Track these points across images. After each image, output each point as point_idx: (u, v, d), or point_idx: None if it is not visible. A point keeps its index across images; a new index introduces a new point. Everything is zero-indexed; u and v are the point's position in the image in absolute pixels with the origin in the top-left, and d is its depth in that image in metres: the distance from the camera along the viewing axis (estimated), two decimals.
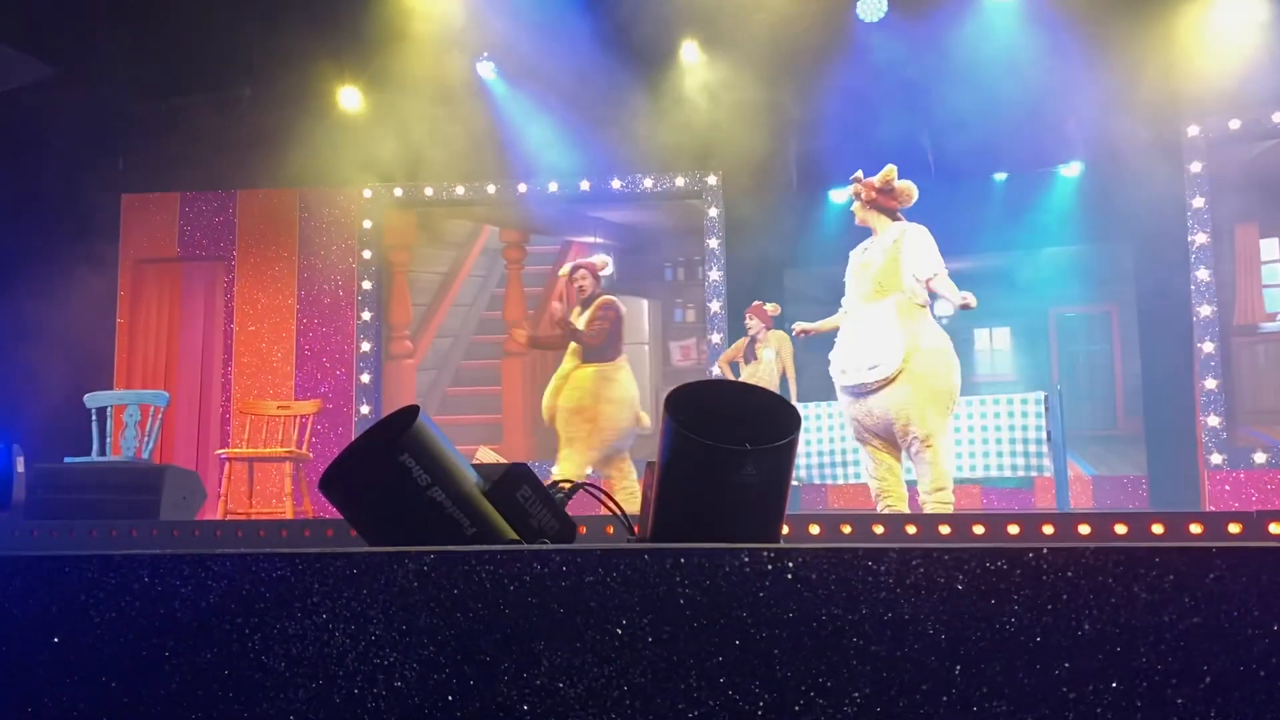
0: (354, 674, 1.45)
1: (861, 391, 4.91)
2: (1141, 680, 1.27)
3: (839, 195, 8.15)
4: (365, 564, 1.47)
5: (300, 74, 7.82)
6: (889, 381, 4.84)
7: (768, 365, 7.23)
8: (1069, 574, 1.31)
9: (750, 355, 7.36)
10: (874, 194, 5.25)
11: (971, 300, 4.92)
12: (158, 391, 6.36)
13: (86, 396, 6.19)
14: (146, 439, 6.01)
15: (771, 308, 7.37)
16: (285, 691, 1.46)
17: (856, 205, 5.32)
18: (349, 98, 8.11)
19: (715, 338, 8.01)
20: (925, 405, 4.78)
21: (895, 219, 5.23)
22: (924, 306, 5.05)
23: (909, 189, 5.23)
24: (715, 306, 8.04)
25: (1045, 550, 1.31)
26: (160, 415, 6.11)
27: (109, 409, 6.14)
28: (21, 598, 1.54)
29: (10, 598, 1.54)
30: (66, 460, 5.76)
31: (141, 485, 5.25)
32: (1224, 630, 1.27)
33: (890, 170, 5.19)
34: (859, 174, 5.30)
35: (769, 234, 7.95)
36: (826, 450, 6.07)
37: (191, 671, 1.48)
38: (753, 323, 7.33)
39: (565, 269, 6.54)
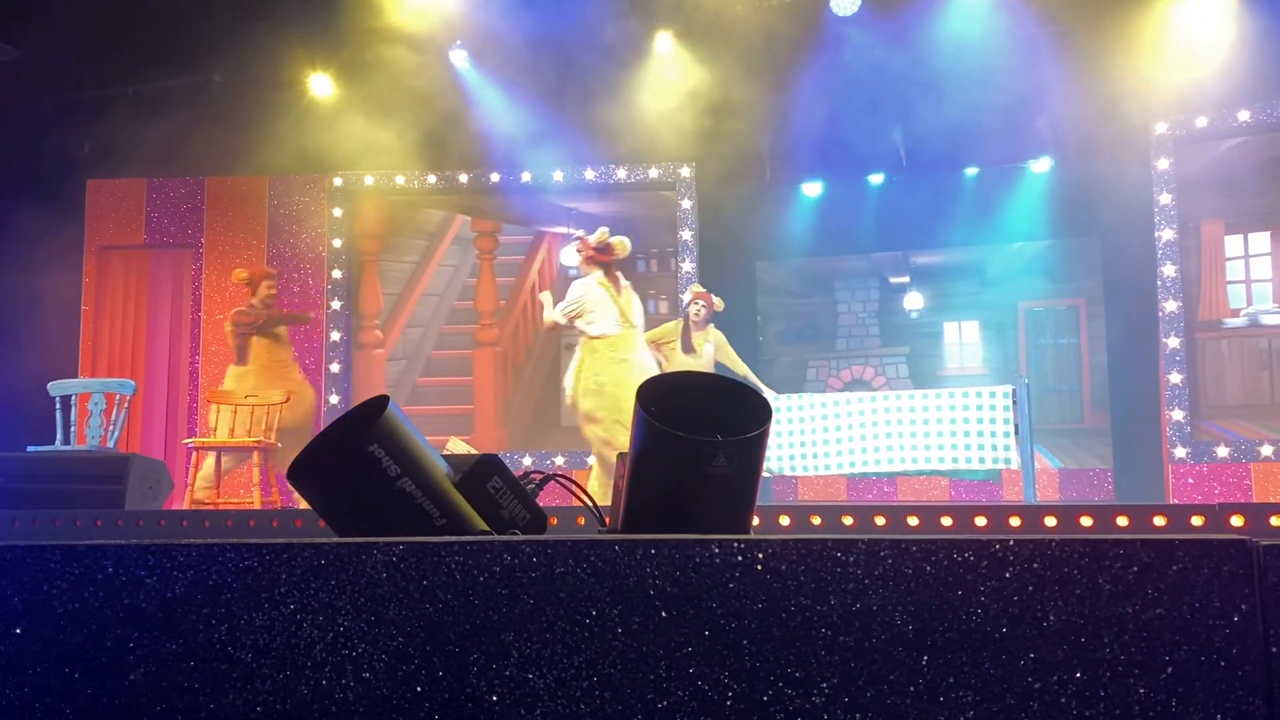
0: (322, 665, 1.44)
1: None
2: (1105, 670, 1.29)
3: (812, 188, 8.20)
4: (333, 554, 1.46)
5: (271, 60, 7.73)
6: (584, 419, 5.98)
7: (708, 360, 7.10)
8: (1035, 565, 1.32)
9: (688, 346, 7.18)
10: (590, 251, 6.38)
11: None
12: (124, 380, 6.29)
13: (51, 385, 6.11)
14: (112, 428, 5.94)
15: (718, 302, 7.29)
16: (252, 683, 1.45)
17: (579, 259, 6.42)
18: (320, 85, 8.05)
19: None
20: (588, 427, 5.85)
21: (609, 272, 6.42)
22: (595, 339, 6.25)
23: (622, 246, 6.46)
24: (688, 298, 8.04)
25: (1011, 542, 1.33)
26: (126, 404, 6.04)
27: (74, 397, 6.06)
28: None
29: None
30: (29, 449, 5.68)
31: (106, 474, 5.18)
32: (1186, 621, 1.28)
33: (603, 232, 6.32)
34: (580, 232, 6.46)
35: (742, 226, 7.98)
36: (798, 441, 6.10)
37: (157, 663, 1.47)
38: (698, 306, 7.16)
39: (243, 274, 6.81)
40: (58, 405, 6.01)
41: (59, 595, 1.50)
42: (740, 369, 7.03)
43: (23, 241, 7.53)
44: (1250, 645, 1.27)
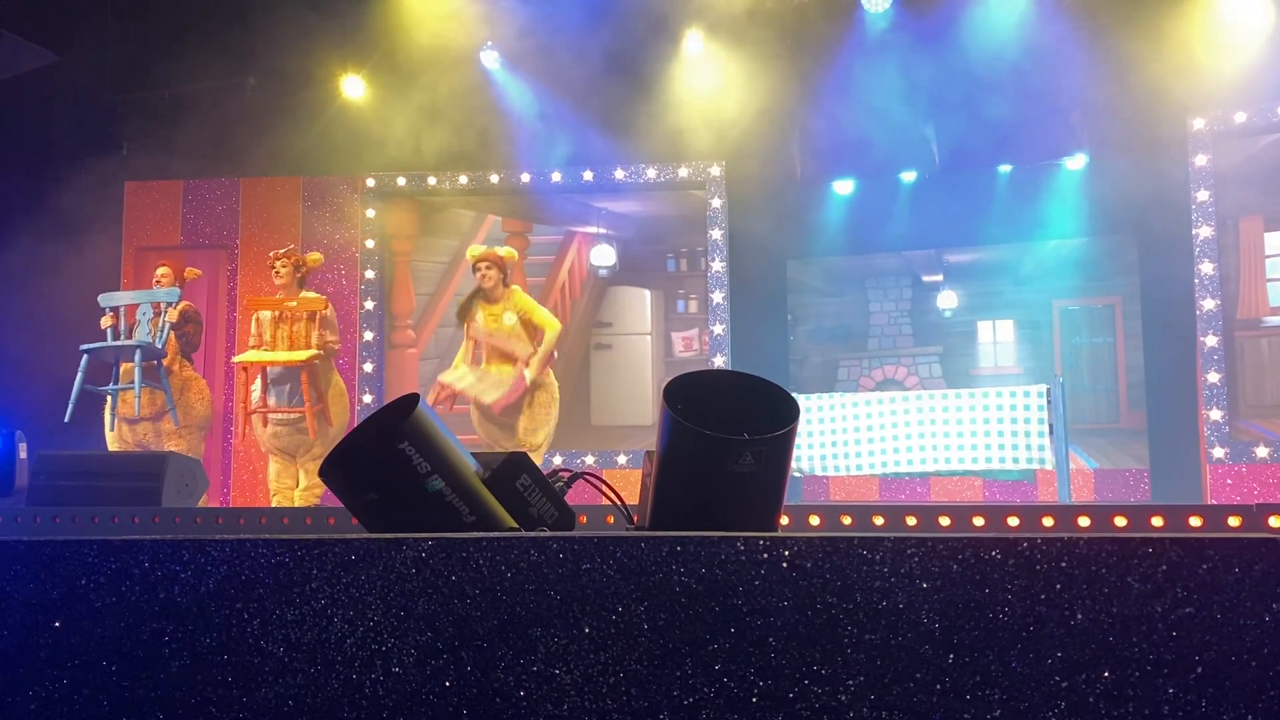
0: (352, 659, 1.46)
1: None
2: (1133, 670, 1.28)
3: (843, 186, 8.16)
4: (364, 550, 1.48)
5: (303, 62, 7.81)
6: None
7: (507, 333, 6.27)
8: (1063, 564, 1.31)
9: (469, 317, 6.43)
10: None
11: None
12: (170, 289, 6.50)
13: (101, 296, 6.45)
14: (160, 333, 6.23)
15: (508, 254, 6.48)
16: (284, 676, 1.47)
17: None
18: (352, 86, 8.11)
19: (718, 328, 8.01)
20: None
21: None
22: None
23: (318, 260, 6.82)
24: (718, 297, 8.03)
25: (1039, 540, 1.32)
26: (171, 311, 6.31)
27: (122, 308, 6.36)
28: (22, 582, 1.55)
29: (11, 582, 1.55)
30: (82, 348, 6.05)
31: (143, 472, 5.26)
32: (1216, 620, 1.27)
33: (318, 256, 6.79)
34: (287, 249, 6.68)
35: (772, 224, 7.95)
36: (829, 441, 6.08)
37: (191, 656, 1.49)
38: (484, 270, 6.35)
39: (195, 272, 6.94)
40: (107, 314, 6.34)
41: (96, 589, 1.53)
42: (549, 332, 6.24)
43: (62, 242, 7.66)
44: None
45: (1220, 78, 6.90)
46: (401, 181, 8.46)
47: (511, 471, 2.08)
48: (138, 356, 6.07)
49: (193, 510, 5.06)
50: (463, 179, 8.43)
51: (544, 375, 6.37)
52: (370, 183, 8.43)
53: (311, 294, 6.67)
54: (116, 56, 7.61)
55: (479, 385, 6.33)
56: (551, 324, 6.37)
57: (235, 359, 6.58)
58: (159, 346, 6.20)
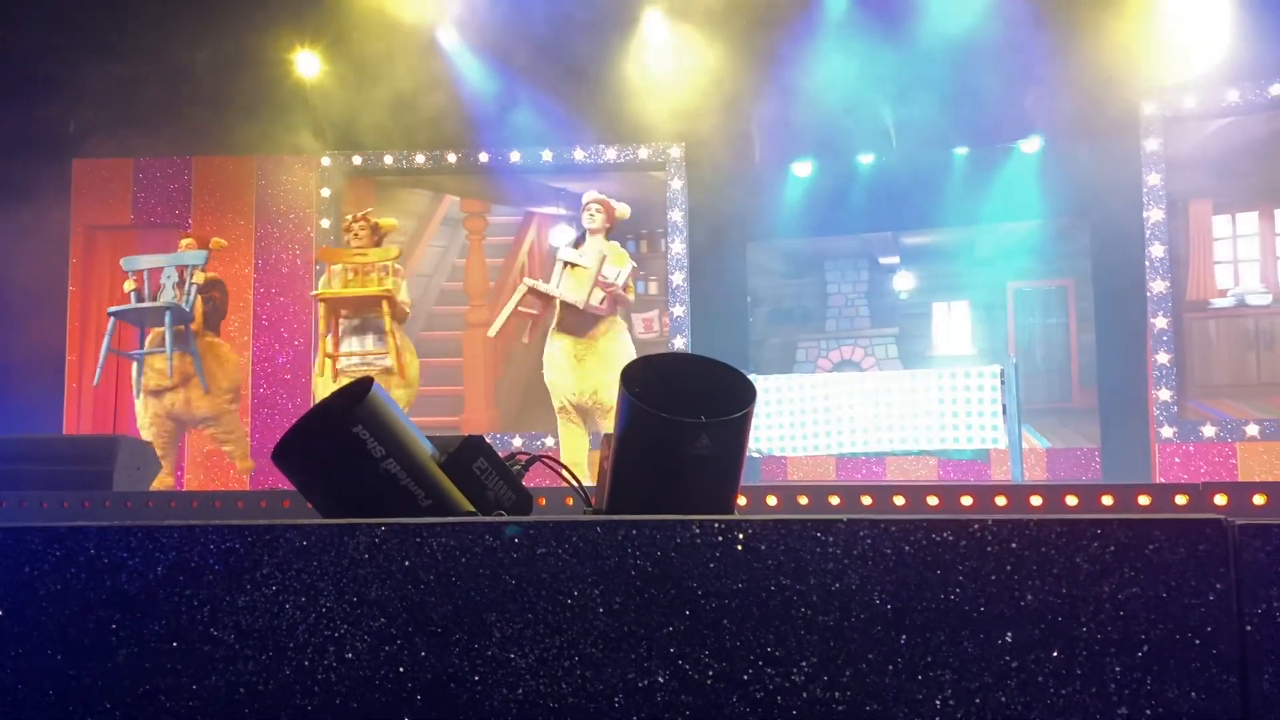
0: (304, 646, 1.44)
1: None
2: (1081, 649, 1.30)
3: (802, 168, 8.19)
4: (316, 536, 1.46)
5: (256, 38, 7.67)
6: None
7: (592, 270, 6.02)
8: (1013, 545, 1.33)
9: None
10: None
11: None
12: (197, 251, 6.25)
13: (123, 259, 6.23)
14: (186, 297, 6.00)
15: (621, 209, 6.35)
16: (235, 664, 1.45)
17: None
18: (307, 63, 7.98)
19: (678, 310, 8.01)
20: None
21: None
22: None
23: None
24: (678, 279, 8.04)
25: (990, 521, 1.34)
26: (197, 274, 6.08)
27: (146, 272, 6.14)
28: None
29: None
30: (110, 310, 5.94)
31: (94, 456, 5.17)
32: (1162, 600, 1.30)
33: (392, 221, 6.45)
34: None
35: (732, 206, 7.96)
36: (787, 422, 6.12)
37: (139, 644, 1.47)
38: (598, 217, 6.20)
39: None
40: (130, 277, 6.10)
41: (41, 577, 1.50)
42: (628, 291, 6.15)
43: (8, 222, 7.49)
44: (1225, 624, 1.28)
45: (1171, 62, 7.00)
46: (357, 160, 8.35)
47: (468, 454, 2.07)
48: (168, 318, 5.82)
49: (144, 494, 4.98)
50: (420, 158, 8.34)
51: (610, 307, 6.13)
52: (325, 162, 8.32)
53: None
54: (62, 31, 7.43)
55: (565, 290, 6.05)
56: (623, 259, 6.19)
57: (314, 294, 6.25)
58: (187, 309, 5.97)
